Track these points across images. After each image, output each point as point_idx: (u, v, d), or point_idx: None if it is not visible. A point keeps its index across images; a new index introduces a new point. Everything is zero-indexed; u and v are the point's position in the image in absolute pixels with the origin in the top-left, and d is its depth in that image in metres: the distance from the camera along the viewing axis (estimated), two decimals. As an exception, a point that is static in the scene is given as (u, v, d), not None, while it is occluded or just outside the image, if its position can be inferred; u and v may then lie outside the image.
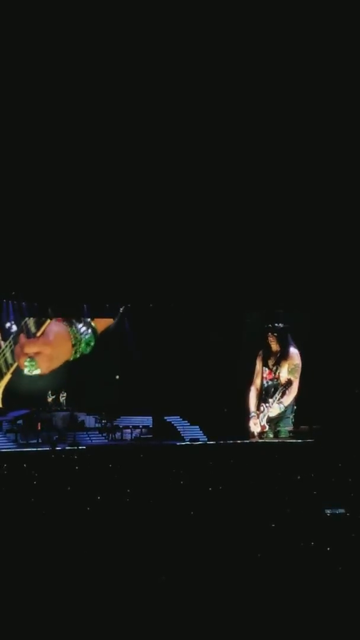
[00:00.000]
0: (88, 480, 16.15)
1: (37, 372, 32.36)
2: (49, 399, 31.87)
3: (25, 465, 19.63)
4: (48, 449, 26.80)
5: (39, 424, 30.47)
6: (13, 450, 27.11)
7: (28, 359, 32.18)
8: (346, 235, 30.98)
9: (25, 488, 14.99)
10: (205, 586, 7.77)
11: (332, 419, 31.40)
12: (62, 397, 32.15)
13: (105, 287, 31.23)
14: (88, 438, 29.98)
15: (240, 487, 14.61)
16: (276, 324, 33.56)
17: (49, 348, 32.71)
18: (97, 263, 30.07)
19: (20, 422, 30.45)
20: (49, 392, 32.06)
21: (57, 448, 26.83)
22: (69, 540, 9.77)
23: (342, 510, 11.53)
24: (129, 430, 31.50)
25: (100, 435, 31.07)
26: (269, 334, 33.54)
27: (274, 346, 33.58)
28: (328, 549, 8.97)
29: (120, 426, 31.70)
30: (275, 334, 33.53)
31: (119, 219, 29.64)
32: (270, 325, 33.53)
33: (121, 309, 33.81)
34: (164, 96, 26.88)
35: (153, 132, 27.77)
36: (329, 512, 11.44)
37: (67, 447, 27.28)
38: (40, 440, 29.03)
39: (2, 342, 31.85)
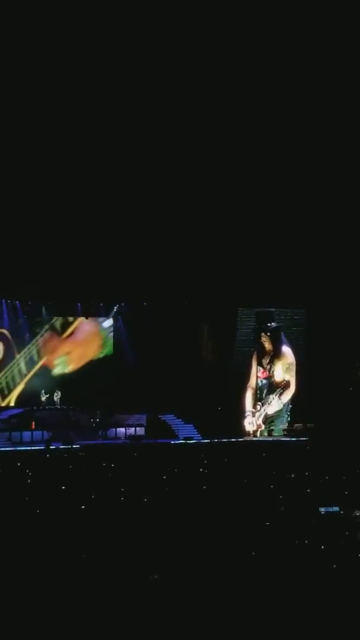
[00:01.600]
0: (82, 479, 16.13)
1: (67, 369, 32.91)
2: (43, 398, 31.84)
3: (19, 464, 19.58)
4: (42, 447, 26.75)
5: (33, 422, 30.45)
6: (7, 449, 27.04)
7: (59, 358, 32.62)
8: (340, 233, 31.00)
9: (19, 487, 14.96)
10: (200, 583, 7.77)
11: (326, 417, 31.43)
12: (57, 396, 32.12)
13: (99, 286, 31.19)
14: (82, 436, 29.94)
15: (234, 486, 14.61)
16: (269, 324, 33.55)
17: (80, 348, 33.29)
18: (91, 262, 30.02)
19: (14, 420, 30.43)
20: (43, 391, 32.02)
21: (51, 447, 26.79)
22: (63, 539, 9.75)
23: (336, 509, 11.54)
24: (123, 429, 31.48)
25: (94, 433, 31.04)
26: (262, 333, 33.53)
27: (267, 345, 33.58)
28: (322, 547, 8.97)
29: (114, 424, 31.67)
30: (268, 333, 33.52)
31: (112, 218, 29.61)
32: (263, 326, 33.50)
33: (115, 307, 33.79)
34: (161, 94, 26.89)
35: (148, 134, 27.76)
36: (323, 510, 11.45)
37: (61, 446, 27.24)
38: (34, 439, 29.02)
39: (11, 339, 32.06)
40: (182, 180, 29.47)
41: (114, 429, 31.51)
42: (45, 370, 32.72)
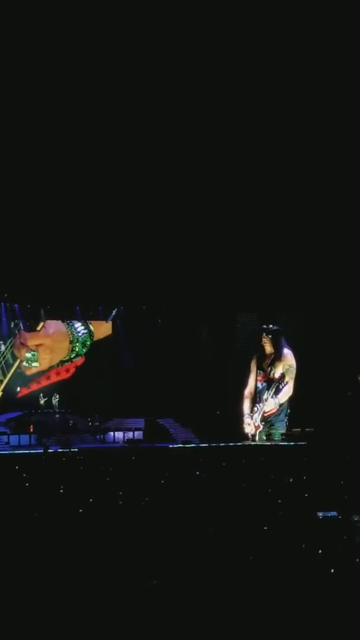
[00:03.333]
0: (80, 483, 16.10)
1: (35, 365, 32.29)
2: (41, 402, 31.81)
3: (17, 467, 19.55)
4: (40, 451, 26.72)
5: (32, 426, 30.42)
6: (5, 452, 27.01)
7: (30, 352, 32.16)
8: (339, 237, 31.02)
9: (17, 490, 14.94)
10: (198, 588, 7.75)
11: (324, 421, 31.41)
12: (55, 400, 32.10)
13: (99, 290, 31.20)
14: (80, 440, 29.91)
15: (232, 490, 14.59)
16: (270, 326, 33.54)
17: (50, 340, 32.93)
18: (91, 266, 30.04)
19: (12, 424, 30.41)
20: (41, 395, 31.99)
21: (49, 450, 26.76)
22: (61, 542, 9.73)
23: (334, 513, 11.52)
24: (121, 433, 31.45)
25: (92, 437, 31.01)
26: (263, 335, 33.52)
27: (268, 348, 33.57)
28: (320, 551, 8.96)
29: (112, 428, 31.65)
30: (269, 336, 33.51)
31: (112, 222, 29.63)
32: (264, 326, 33.50)
33: (114, 311, 33.77)
34: (159, 97, 26.91)
35: (148, 139, 27.80)
36: (321, 515, 11.43)
37: (59, 449, 27.21)
38: (32, 443, 29.00)
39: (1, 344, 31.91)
40: (183, 185, 29.51)
41: (112, 433, 31.48)
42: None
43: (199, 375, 32.99)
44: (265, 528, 10.34)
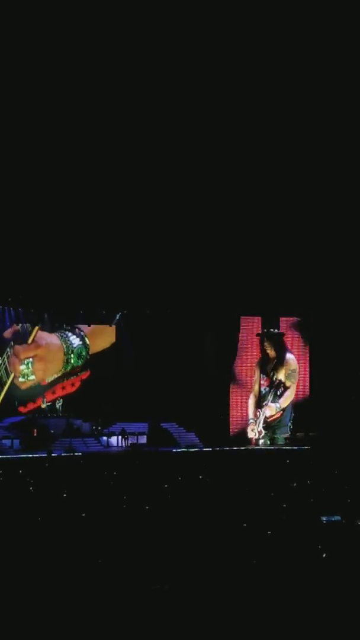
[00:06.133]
0: (84, 487, 16.10)
1: (32, 378, 32.16)
2: (43, 406, 31.81)
3: (21, 471, 19.56)
4: (44, 455, 26.72)
5: (35, 430, 30.42)
6: (9, 456, 27.02)
7: (24, 364, 32.01)
8: (341, 240, 31.03)
9: (22, 494, 14.94)
10: (201, 592, 7.75)
11: (328, 426, 31.38)
12: (58, 404, 32.10)
13: (102, 294, 31.20)
14: (84, 444, 29.90)
15: (236, 494, 14.57)
16: (271, 330, 33.53)
17: (43, 350, 32.65)
18: (94, 270, 30.07)
19: (16, 428, 30.45)
20: (44, 399, 32.00)
21: (53, 454, 26.77)
22: (64, 547, 9.74)
23: (338, 518, 11.49)
24: (124, 437, 31.43)
25: (96, 441, 31.00)
26: (265, 340, 33.51)
27: (270, 352, 33.56)
28: (324, 555, 8.94)
29: (116, 432, 31.64)
30: (271, 340, 33.50)
31: (116, 226, 29.67)
32: (265, 330, 33.50)
33: (118, 315, 33.75)
34: (160, 99, 26.94)
35: (150, 143, 27.84)
36: (325, 519, 11.41)
37: (63, 454, 27.22)
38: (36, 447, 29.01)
39: None
40: (186, 190, 29.54)
41: (116, 437, 31.46)
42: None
43: (202, 379, 32.98)
44: (269, 532, 10.33)
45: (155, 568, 8.61)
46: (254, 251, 31.20)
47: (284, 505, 12.85)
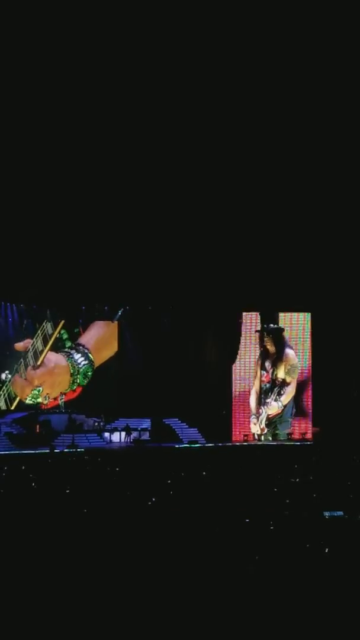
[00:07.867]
0: (86, 483, 16.13)
1: (39, 400, 32.33)
2: (46, 402, 31.86)
3: (23, 467, 19.59)
4: (47, 451, 26.77)
5: (38, 426, 30.46)
6: (12, 452, 27.06)
7: (35, 389, 32.17)
8: (343, 236, 31.00)
9: (24, 490, 14.97)
10: (203, 587, 7.76)
11: (331, 421, 31.39)
12: (61, 400, 32.14)
13: (104, 290, 31.21)
14: (86, 440, 29.94)
15: (238, 489, 14.59)
16: (271, 325, 33.49)
17: (51, 377, 32.73)
18: (96, 266, 30.07)
19: (19, 424, 30.48)
20: (47, 395, 32.05)
21: (56, 450, 26.81)
22: (67, 542, 9.76)
23: (340, 513, 11.51)
24: (128, 433, 31.45)
25: (99, 437, 31.04)
26: (265, 335, 33.48)
27: (270, 347, 33.53)
28: (326, 550, 8.95)
29: (119, 428, 31.68)
30: (271, 335, 33.47)
31: (117, 223, 29.67)
32: (265, 326, 33.45)
33: (120, 311, 33.75)
34: (159, 99, 26.93)
35: (151, 141, 27.82)
36: (327, 514, 11.42)
37: (66, 450, 27.26)
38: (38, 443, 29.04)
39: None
40: (187, 186, 29.52)
41: (119, 433, 31.50)
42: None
43: (204, 375, 32.98)
44: (272, 528, 10.34)
45: (157, 563, 8.63)
46: (257, 246, 31.16)
47: (287, 501, 12.87)
